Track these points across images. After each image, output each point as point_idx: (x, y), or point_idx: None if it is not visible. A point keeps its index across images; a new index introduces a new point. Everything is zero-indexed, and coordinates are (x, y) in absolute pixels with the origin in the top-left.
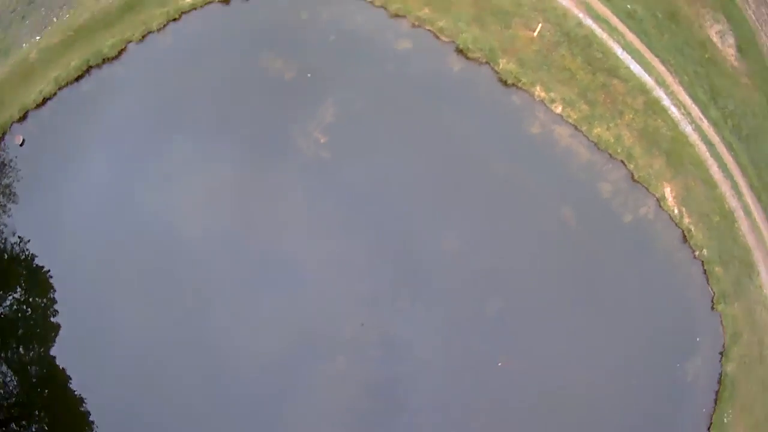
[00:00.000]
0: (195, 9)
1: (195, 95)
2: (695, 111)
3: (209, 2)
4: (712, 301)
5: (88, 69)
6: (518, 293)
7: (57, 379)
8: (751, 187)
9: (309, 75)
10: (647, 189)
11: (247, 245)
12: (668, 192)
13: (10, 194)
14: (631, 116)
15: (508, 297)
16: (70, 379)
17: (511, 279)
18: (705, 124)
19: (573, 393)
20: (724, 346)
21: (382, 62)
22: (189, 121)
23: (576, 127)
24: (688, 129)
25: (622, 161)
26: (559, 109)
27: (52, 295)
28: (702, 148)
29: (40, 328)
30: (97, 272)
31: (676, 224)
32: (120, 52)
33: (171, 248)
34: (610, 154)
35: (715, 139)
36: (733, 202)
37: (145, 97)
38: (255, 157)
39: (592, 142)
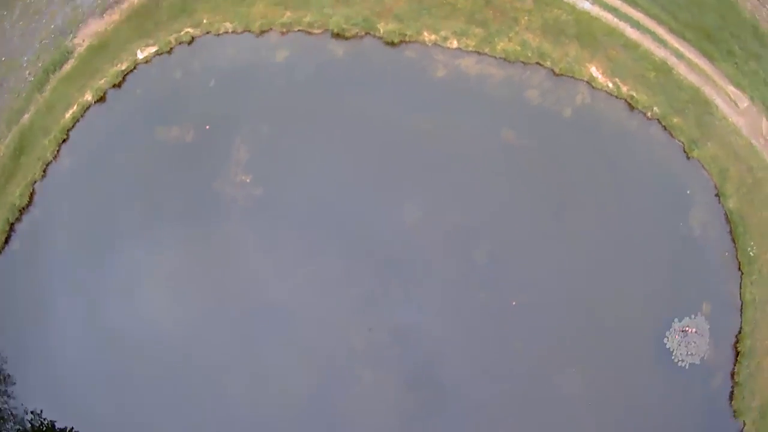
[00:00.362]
0: (78, 121)
1: (115, 199)
2: None
3: (87, 108)
4: (685, 152)
5: (11, 227)
6: (498, 231)
7: None
8: (672, 31)
9: (207, 127)
10: (573, 77)
11: (229, 312)
12: (594, 71)
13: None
14: (526, 19)
15: (491, 239)
16: None
17: (486, 221)
18: None
19: (596, 296)
20: (716, 186)
21: (269, 80)
22: (121, 225)
23: (479, 52)
24: (586, 5)
25: (537, 63)
26: (455, 44)
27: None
28: (608, 17)
29: None
30: (97, 408)
31: (616, 97)
32: (31, 197)
33: (163, 354)
34: (523, 62)
35: (616, 2)
36: (660, 52)
37: (71, 226)
38: (196, 228)
39: (501, 58)
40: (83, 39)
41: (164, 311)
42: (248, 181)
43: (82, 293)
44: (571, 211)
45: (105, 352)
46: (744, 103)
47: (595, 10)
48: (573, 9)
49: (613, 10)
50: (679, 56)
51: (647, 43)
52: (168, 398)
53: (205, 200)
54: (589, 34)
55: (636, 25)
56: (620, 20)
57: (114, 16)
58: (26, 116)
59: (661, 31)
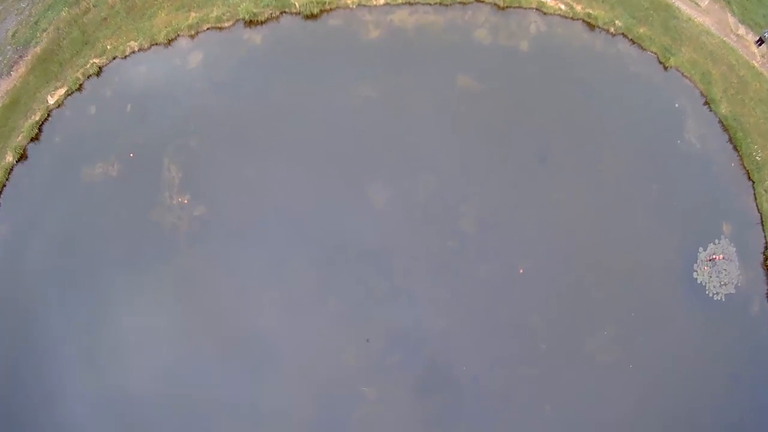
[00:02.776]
0: (4, 186)
1: (51, 260)
2: None
3: (10, 169)
4: (661, 62)
5: None
6: (481, 192)
7: None
8: None
9: (131, 155)
10: (520, 7)
11: (203, 351)
12: None
13: None
14: None
15: (475, 203)
16: None
17: (465, 184)
18: None
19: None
20: (702, 93)
21: (188, 89)
22: (61, 287)
23: (410, 3)
24: None
25: (476, 1)
26: (381, 0)
27: None
28: None
29: None
30: None
31: (571, 18)
32: None
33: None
34: (461, 2)
35: None
36: None
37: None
38: (145, 270)
39: (436, 4)
40: None
41: (133, 369)
42: (186, 202)
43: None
44: (556, 153)
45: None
46: (704, 1)
47: None
48: None
49: None
50: None
51: None
52: None
53: (146, 234)
54: None
55: None
56: None
57: (20, 70)
58: None
59: None
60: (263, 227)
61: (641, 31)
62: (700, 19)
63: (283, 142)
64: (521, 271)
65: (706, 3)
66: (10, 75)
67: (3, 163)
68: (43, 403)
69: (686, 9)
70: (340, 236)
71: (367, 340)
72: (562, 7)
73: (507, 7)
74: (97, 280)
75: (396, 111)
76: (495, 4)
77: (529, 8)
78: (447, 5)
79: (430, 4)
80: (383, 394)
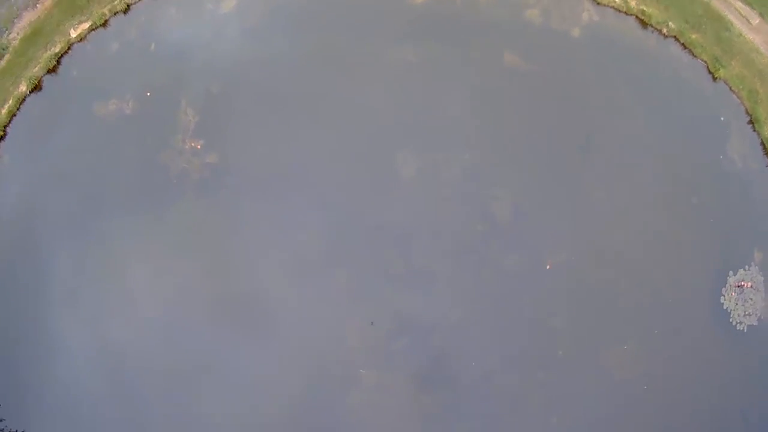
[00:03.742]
0: (14, 115)
1: (55, 191)
2: None
3: (23, 99)
4: (710, 72)
5: None
6: (518, 178)
7: None
8: None
9: (148, 94)
10: None
11: (197, 308)
12: None
13: None
14: None
15: (510, 189)
16: None
17: (501, 167)
18: None
19: (641, 250)
20: (748, 111)
21: (217, 33)
22: (63, 220)
23: None
24: None
25: None
26: None
27: None
28: None
29: None
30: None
31: (625, 12)
32: None
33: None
34: None
35: None
36: None
37: (12, 228)
38: (146, 213)
39: None
40: (18, 32)
41: (123, 315)
42: (199, 147)
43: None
44: (597, 147)
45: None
46: (755, 19)
47: None
48: None
49: None
50: None
51: None
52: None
53: (153, 177)
54: None
55: None
56: None
57: (46, 3)
58: None
59: None
60: (278, 185)
61: (693, 37)
62: (750, 36)
63: (309, 99)
64: (549, 266)
65: (757, 21)
66: (36, 7)
67: (16, 93)
68: (35, 347)
69: (738, 24)
70: (359, 204)
71: (372, 323)
72: (617, 0)
73: None
74: (97, 219)
75: (435, 80)
76: None
77: None
78: None
79: None
80: (381, 381)
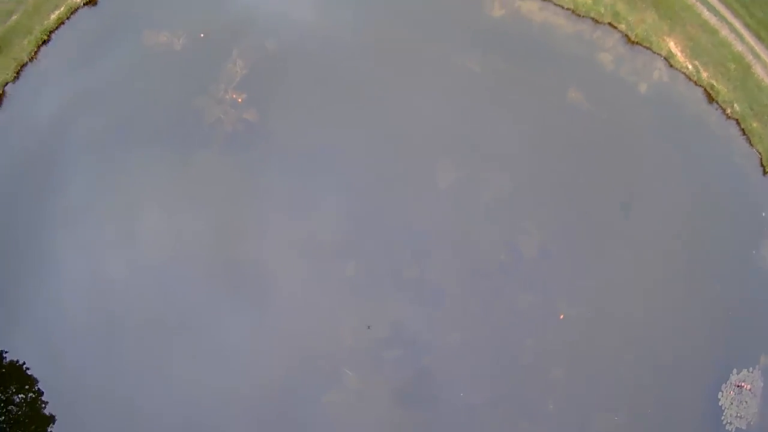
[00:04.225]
0: (63, 23)
1: (84, 108)
2: None
3: (75, 9)
4: (762, 165)
5: None
6: (553, 217)
7: None
8: (748, 26)
9: (201, 35)
10: (650, 49)
11: (192, 264)
12: (673, 47)
13: None
14: None
15: (542, 226)
16: None
17: (539, 201)
18: None
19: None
20: None
21: None
22: (84, 138)
23: None
24: None
25: (610, 24)
26: None
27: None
28: None
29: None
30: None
31: (695, 82)
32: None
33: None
34: (594, 19)
35: None
36: (738, 45)
37: (36, 132)
38: (169, 151)
39: (568, 9)
40: None
41: (123, 260)
42: (240, 101)
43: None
44: (638, 208)
45: (80, 295)
46: None
47: None
48: None
49: None
50: (756, 55)
51: (725, 32)
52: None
53: (184, 119)
54: (666, 3)
55: (712, 9)
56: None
57: None
58: (14, 17)
59: (737, 24)
60: (308, 161)
61: (754, 125)
62: None
63: (362, 85)
64: (561, 317)
65: None
66: None
67: (69, 2)
68: (28, 264)
69: None
70: (386, 201)
71: (369, 327)
72: (689, 67)
73: (637, 43)
74: (118, 147)
75: (493, 96)
76: (626, 35)
77: (658, 54)
78: (580, 15)
79: (563, 8)
80: (363, 386)
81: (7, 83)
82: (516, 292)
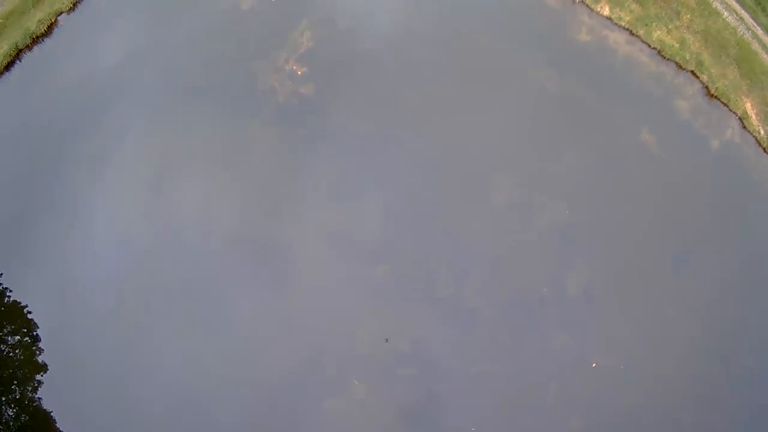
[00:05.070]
0: None
1: (141, 58)
2: (746, 17)
3: None
4: None
5: (18, 53)
6: (606, 259)
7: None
8: None
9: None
10: (728, 106)
11: (212, 241)
12: (749, 108)
13: None
14: (689, 17)
15: (593, 267)
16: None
17: (594, 239)
18: (759, 32)
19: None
20: None
21: None
22: (134, 84)
23: (631, 32)
24: (747, 35)
25: (692, 72)
26: (606, 11)
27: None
28: (765, 57)
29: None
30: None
31: (764, 149)
32: (50, 27)
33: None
34: (678, 64)
35: None
36: None
37: (83, 75)
38: (218, 112)
39: (654, 49)
40: None
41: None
42: (300, 73)
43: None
44: (690, 266)
45: (92, 243)
46: None
47: (755, 45)
48: (735, 32)
49: None
50: None
51: None
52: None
53: (237, 82)
54: (749, 65)
55: None
56: None
57: None
58: None
59: None
60: (359, 150)
61: None
62: None
63: (432, 84)
64: (594, 364)
65: None
66: None
67: None
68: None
69: None
70: (433, 208)
71: (387, 340)
72: (762, 132)
73: (716, 97)
74: (162, 100)
75: (564, 119)
76: (706, 87)
77: (734, 112)
78: (664, 57)
79: (649, 46)
80: (369, 400)
81: (61, 13)
82: (551, 330)
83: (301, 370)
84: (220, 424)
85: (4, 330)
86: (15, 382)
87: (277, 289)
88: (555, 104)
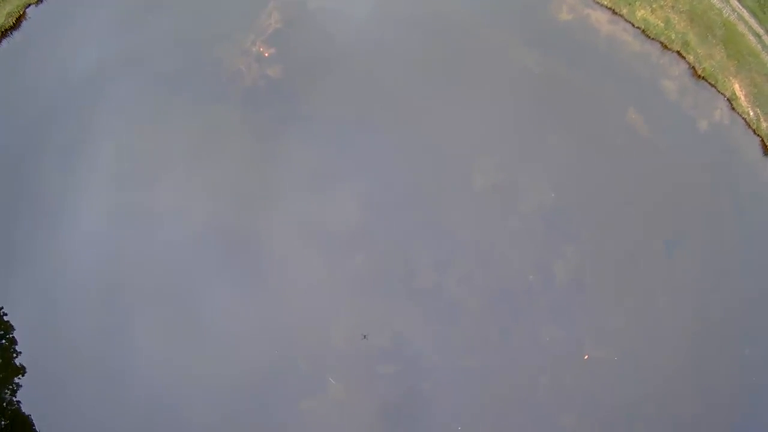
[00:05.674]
0: None
1: (108, 47)
2: None
3: None
4: None
5: None
6: (592, 241)
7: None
8: None
9: None
10: (715, 87)
11: (190, 222)
12: (737, 89)
13: None
14: None
15: (579, 251)
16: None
17: (579, 220)
18: (745, 14)
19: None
20: None
21: None
22: (109, 82)
23: (614, 11)
24: (733, 17)
25: (678, 52)
26: None
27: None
28: (751, 39)
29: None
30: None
31: (754, 130)
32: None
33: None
34: (663, 43)
35: (759, 29)
36: None
37: (51, 66)
38: (178, 102)
39: (638, 28)
40: None
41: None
42: (267, 55)
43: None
44: (682, 249)
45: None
46: None
47: (741, 26)
48: (720, 13)
49: (757, 36)
50: None
51: None
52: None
53: (203, 66)
54: (735, 46)
55: None
56: (762, 49)
57: None
58: None
59: None
60: (332, 134)
61: None
62: None
63: (408, 62)
64: (586, 357)
65: None
66: None
67: None
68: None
69: None
70: (412, 194)
71: (364, 337)
72: (751, 113)
73: (703, 77)
74: (125, 81)
75: (547, 100)
76: (693, 67)
77: (722, 94)
78: (649, 37)
79: (633, 25)
80: (347, 400)
81: (29, 5)
82: (540, 321)
83: (273, 369)
84: (191, 425)
85: None
86: None
87: (247, 282)
88: (538, 84)
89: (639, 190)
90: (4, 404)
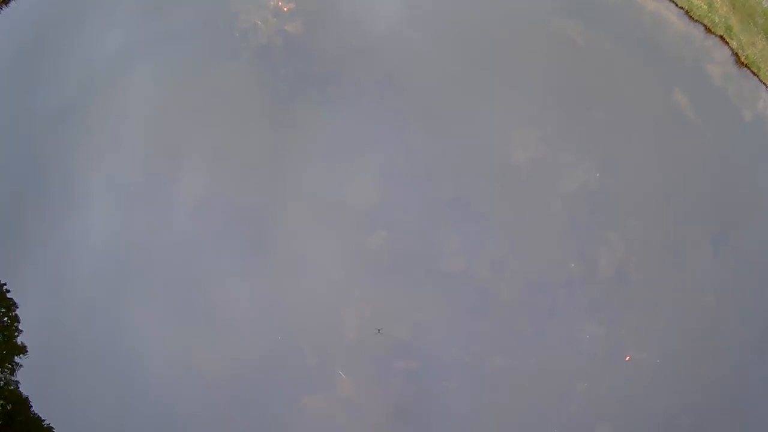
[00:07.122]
0: None
1: None
2: None
3: None
4: None
5: None
6: (636, 234)
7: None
8: None
9: None
10: (757, 76)
11: (191, 189)
12: None
13: None
14: None
15: (624, 244)
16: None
17: (622, 210)
18: None
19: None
20: None
21: None
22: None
23: None
24: None
25: (721, 37)
26: None
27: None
28: None
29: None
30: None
31: None
32: None
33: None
34: (707, 27)
35: None
36: None
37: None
38: (188, 56)
39: (682, 8)
40: None
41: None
42: (286, 10)
43: None
44: (731, 248)
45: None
46: None
47: None
48: (760, 2)
49: None
50: None
51: None
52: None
53: (215, 20)
54: None
55: None
56: None
57: None
58: None
59: None
60: (356, 96)
61: None
62: None
63: (444, 25)
64: (628, 358)
65: None
66: None
67: None
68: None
69: None
70: (442, 167)
71: (378, 331)
72: None
73: (746, 65)
74: (138, 35)
75: (594, 74)
76: (736, 54)
77: (764, 83)
78: (693, 19)
79: (676, 5)
80: (355, 397)
81: None
82: (579, 318)
83: (276, 361)
84: (182, 417)
85: None
86: None
87: (251, 262)
88: (584, 57)
89: (688, 178)
90: (2, 383)
